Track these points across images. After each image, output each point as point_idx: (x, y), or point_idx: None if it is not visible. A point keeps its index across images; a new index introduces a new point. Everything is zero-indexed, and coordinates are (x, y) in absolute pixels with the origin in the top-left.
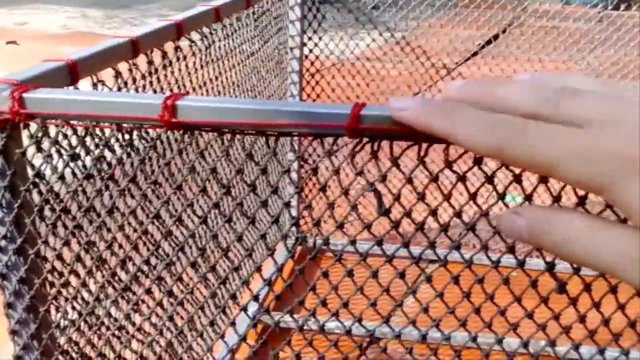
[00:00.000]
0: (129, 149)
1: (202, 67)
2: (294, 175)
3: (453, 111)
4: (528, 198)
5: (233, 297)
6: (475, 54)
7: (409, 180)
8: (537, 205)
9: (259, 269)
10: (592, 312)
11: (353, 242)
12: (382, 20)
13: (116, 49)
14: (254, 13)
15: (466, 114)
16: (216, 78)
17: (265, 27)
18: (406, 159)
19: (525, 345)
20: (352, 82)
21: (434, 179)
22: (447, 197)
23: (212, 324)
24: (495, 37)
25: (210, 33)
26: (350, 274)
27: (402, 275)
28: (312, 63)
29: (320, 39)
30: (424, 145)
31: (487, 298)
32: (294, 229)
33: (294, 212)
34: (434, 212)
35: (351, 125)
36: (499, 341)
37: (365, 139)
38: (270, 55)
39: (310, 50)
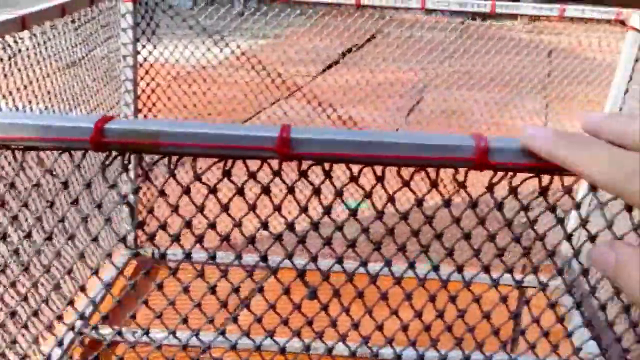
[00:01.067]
0: None
1: (5, 76)
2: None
3: (589, 145)
4: (368, 195)
5: (59, 317)
6: (335, 62)
7: (213, 191)
8: (630, 244)
9: (82, 288)
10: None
11: (188, 255)
12: (246, 27)
13: None
14: (73, 21)
15: (603, 151)
16: (25, 87)
17: (90, 35)
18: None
19: (354, 354)
20: (189, 90)
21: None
22: (277, 209)
23: (35, 341)
24: (349, 50)
25: (15, 42)
26: (186, 290)
27: (236, 290)
28: (146, 71)
29: (154, 47)
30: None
31: (320, 308)
32: (132, 242)
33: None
34: (265, 225)
35: (94, 139)
36: (329, 350)
37: (114, 153)
38: (97, 63)
39: (145, 59)
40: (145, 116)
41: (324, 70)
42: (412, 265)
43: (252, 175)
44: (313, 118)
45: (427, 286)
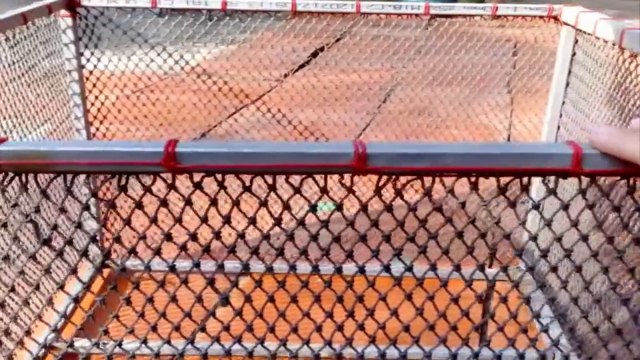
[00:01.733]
0: None
1: None
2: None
3: None
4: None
5: (27, 332)
6: (302, 66)
7: (164, 203)
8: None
9: (50, 302)
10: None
11: (148, 267)
12: (222, 31)
13: None
14: (7, 39)
15: None
16: None
17: (29, 52)
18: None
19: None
20: (138, 102)
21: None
22: (225, 221)
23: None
24: (321, 49)
25: None
26: (150, 300)
27: (199, 299)
28: (94, 85)
29: (99, 60)
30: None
31: (279, 314)
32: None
33: (101, 242)
34: (217, 234)
35: None
36: (295, 357)
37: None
38: (39, 79)
39: (91, 72)
40: (97, 129)
41: (290, 74)
42: (387, 268)
43: (148, 189)
44: (263, 124)
45: (402, 285)
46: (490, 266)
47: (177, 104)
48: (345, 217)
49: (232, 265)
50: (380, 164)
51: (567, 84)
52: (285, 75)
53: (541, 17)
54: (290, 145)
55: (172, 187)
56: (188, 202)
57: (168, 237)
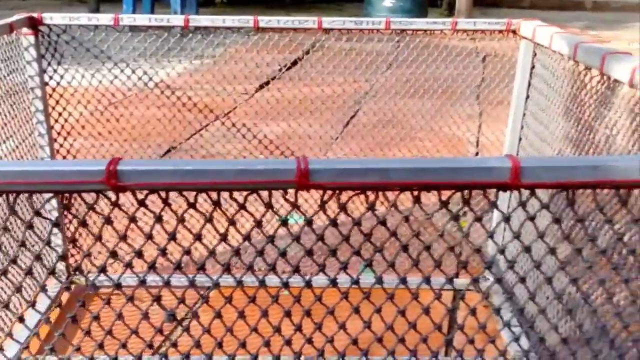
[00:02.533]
0: None
1: None
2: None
3: None
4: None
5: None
6: (273, 78)
7: (108, 220)
8: None
9: (21, 320)
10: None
11: (119, 284)
12: (196, 47)
13: None
14: None
15: None
16: None
17: None
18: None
19: None
20: (102, 117)
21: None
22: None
23: None
24: (294, 62)
25: None
26: (120, 316)
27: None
28: (57, 101)
29: (62, 77)
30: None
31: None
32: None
33: (65, 256)
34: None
35: None
36: None
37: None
38: (1, 97)
39: (54, 89)
40: (61, 145)
41: (261, 87)
42: (356, 280)
43: (91, 208)
44: (229, 139)
45: (371, 297)
46: (457, 276)
47: (142, 119)
48: (315, 231)
49: (202, 279)
50: (323, 180)
51: (528, 96)
52: (257, 90)
53: (500, 31)
54: (234, 163)
55: (115, 204)
56: (132, 219)
57: (139, 254)
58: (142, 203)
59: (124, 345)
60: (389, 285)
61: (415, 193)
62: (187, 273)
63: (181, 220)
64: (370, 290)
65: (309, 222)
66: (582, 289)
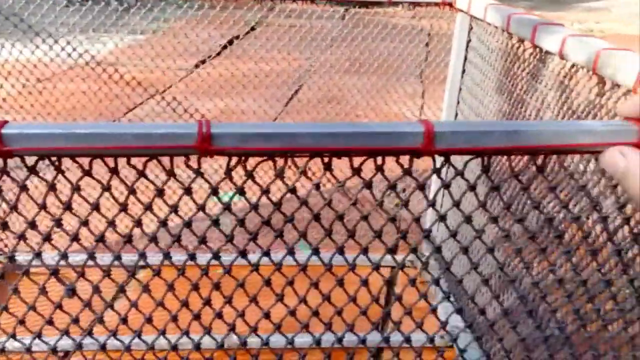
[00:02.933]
0: None
1: None
2: None
3: None
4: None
5: None
6: (209, 56)
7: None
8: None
9: None
10: None
11: (39, 255)
12: (131, 21)
13: None
14: None
15: None
16: None
17: None
18: None
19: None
20: (24, 90)
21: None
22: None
23: None
24: (232, 40)
25: None
26: (43, 291)
27: (97, 289)
28: None
29: None
30: None
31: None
32: None
33: None
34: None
35: None
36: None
37: None
38: None
39: None
40: None
41: (202, 63)
42: (291, 252)
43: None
44: (169, 114)
45: (308, 271)
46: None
47: (71, 96)
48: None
49: (129, 258)
50: (227, 145)
51: (464, 71)
52: (196, 66)
53: (436, 4)
54: (131, 126)
55: (4, 171)
56: (22, 187)
57: (58, 224)
58: (32, 170)
59: (49, 322)
60: (326, 259)
61: (326, 159)
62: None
63: (76, 189)
64: (307, 265)
65: (241, 194)
66: (499, 259)
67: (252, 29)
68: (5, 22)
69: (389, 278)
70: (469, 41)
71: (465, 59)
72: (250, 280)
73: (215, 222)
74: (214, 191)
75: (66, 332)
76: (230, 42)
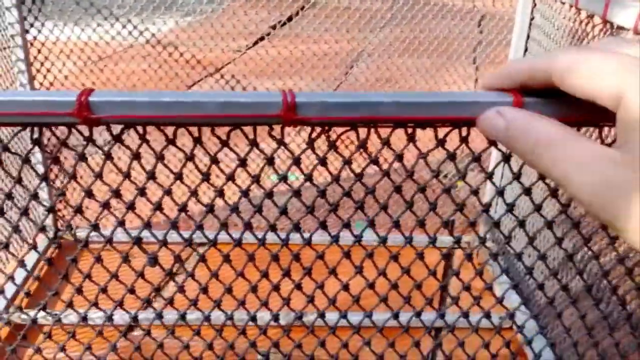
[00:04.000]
0: None
1: None
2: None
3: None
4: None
5: None
6: (268, 35)
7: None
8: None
9: (11, 278)
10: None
11: (110, 240)
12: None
13: None
14: None
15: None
16: None
17: None
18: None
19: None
20: (86, 68)
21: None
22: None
23: None
24: (289, 18)
25: None
26: (101, 262)
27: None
28: (39, 50)
29: (43, 25)
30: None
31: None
32: (50, 222)
33: (48, 205)
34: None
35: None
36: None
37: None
38: None
39: (35, 37)
40: None
41: (255, 44)
42: (336, 238)
43: (63, 143)
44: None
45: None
46: (451, 233)
47: (132, 75)
48: (318, 186)
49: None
50: (311, 114)
51: (526, 49)
52: (255, 43)
53: None
54: (215, 94)
55: (90, 140)
56: (108, 156)
57: (131, 206)
58: (117, 138)
59: (120, 304)
60: (394, 243)
61: (410, 130)
62: (181, 230)
63: (160, 157)
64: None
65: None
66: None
67: (302, 8)
68: (68, 0)
69: (447, 252)
70: (532, 19)
71: (528, 37)
72: (315, 263)
73: (296, 193)
74: (296, 161)
75: (120, 304)
76: (283, 24)
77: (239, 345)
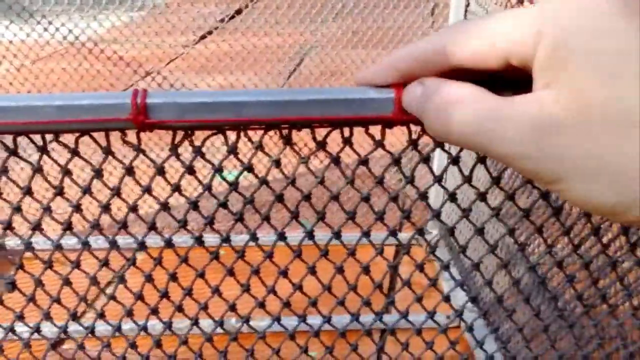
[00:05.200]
0: None
1: None
2: None
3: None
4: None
5: None
6: (216, 29)
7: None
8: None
9: None
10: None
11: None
12: None
13: None
14: None
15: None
16: None
17: None
18: None
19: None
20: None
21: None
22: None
23: None
24: (239, 11)
25: None
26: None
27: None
28: None
29: None
30: None
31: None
32: None
33: None
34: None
35: None
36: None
37: None
38: None
39: None
40: None
41: (202, 38)
42: (282, 236)
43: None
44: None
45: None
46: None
47: (64, 76)
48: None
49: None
50: (167, 117)
51: None
52: (201, 39)
53: None
54: (52, 97)
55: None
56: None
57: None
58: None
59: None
60: (322, 241)
61: (285, 132)
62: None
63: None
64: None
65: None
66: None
67: (251, 1)
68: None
69: (380, 249)
70: (467, 5)
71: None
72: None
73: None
74: (191, 170)
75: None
76: (236, 14)
77: (182, 355)
